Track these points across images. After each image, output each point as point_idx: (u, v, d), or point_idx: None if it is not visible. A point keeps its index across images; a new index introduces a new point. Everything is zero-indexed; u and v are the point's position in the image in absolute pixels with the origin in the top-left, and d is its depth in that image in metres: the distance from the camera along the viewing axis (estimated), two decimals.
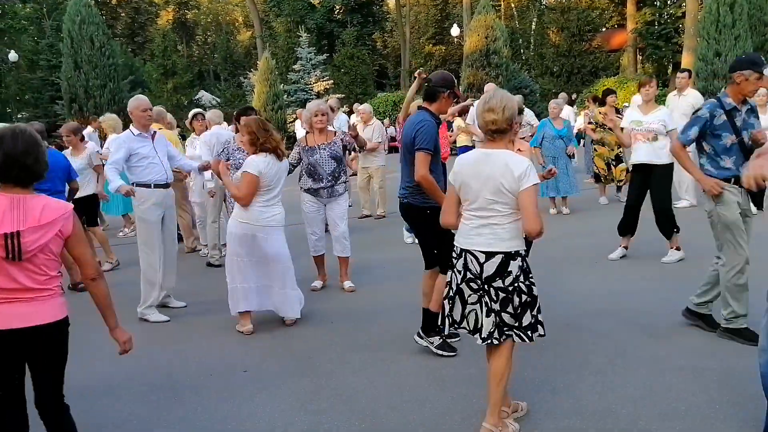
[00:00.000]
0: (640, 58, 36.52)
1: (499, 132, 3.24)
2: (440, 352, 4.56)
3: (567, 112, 13.23)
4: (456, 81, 4.66)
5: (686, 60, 22.44)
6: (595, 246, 7.57)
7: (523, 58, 37.09)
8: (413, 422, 3.65)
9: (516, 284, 3.21)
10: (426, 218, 4.45)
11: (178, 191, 7.94)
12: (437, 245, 4.47)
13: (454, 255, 3.42)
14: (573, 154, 10.20)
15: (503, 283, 3.20)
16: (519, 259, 3.23)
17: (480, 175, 3.22)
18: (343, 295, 6.29)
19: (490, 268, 3.20)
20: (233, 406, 3.99)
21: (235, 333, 5.33)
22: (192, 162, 6.55)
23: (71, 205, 2.84)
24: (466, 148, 10.72)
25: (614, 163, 10.47)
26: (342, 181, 6.37)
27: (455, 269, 3.39)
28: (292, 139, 21.94)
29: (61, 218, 2.75)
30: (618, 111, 10.85)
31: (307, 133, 6.50)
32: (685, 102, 9.64)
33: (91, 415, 3.94)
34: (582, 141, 13.83)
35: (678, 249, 6.85)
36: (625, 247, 7.10)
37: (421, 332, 4.66)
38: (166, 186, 5.88)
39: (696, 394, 3.80)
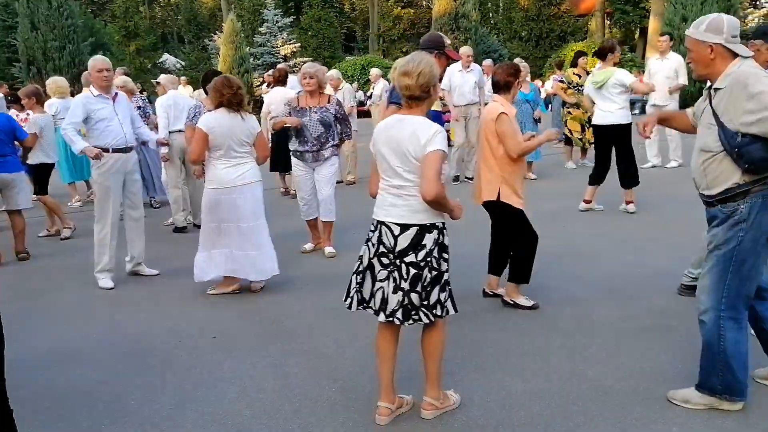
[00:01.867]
0: (608, 22, 36.62)
1: (413, 98, 3.07)
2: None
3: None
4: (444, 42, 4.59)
5: (653, 25, 22.59)
6: (562, 210, 7.65)
7: (492, 22, 36.91)
8: None
9: (428, 259, 3.07)
10: None
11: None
12: None
13: (371, 227, 3.25)
14: (539, 119, 10.21)
15: (416, 257, 3.07)
16: (435, 232, 3.09)
17: (390, 141, 3.10)
18: (314, 261, 6.27)
19: (403, 241, 3.07)
20: (203, 373, 3.96)
21: (203, 299, 5.29)
22: (150, 133, 6.43)
23: None
24: (435, 113, 10.67)
25: (587, 125, 10.52)
26: (330, 146, 6.27)
27: (369, 242, 3.22)
28: (259, 103, 21.63)
29: None
30: (589, 73, 10.88)
31: (299, 93, 6.45)
32: (667, 65, 9.80)
33: (58, 382, 3.89)
34: (550, 106, 13.86)
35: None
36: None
37: None
38: (125, 150, 5.72)
39: (660, 353, 3.89)
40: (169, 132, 7.62)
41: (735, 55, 3.03)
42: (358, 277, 3.25)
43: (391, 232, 3.10)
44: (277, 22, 28.05)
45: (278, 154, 9.56)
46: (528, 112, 9.85)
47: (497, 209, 4.73)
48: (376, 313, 3.19)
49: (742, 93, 2.91)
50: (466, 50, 9.69)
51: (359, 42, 43.45)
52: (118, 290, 5.67)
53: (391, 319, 3.15)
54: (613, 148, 7.24)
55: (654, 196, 7.47)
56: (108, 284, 5.73)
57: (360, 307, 3.26)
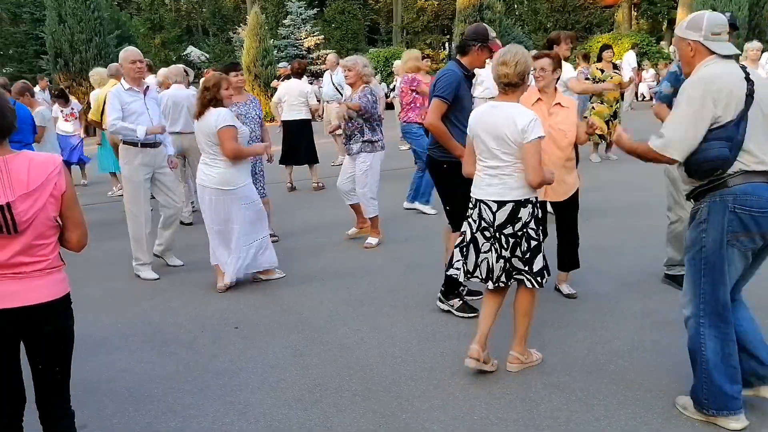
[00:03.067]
0: (635, 13, 36.09)
1: (510, 85, 3.43)
2: (461, 314, 4.47)
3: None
4: (488, 34, 4.49)
5: (681, 15, 22.20)
6: (583, 203, 7.56)
7: (517, 13, 36.54)
8: (403, 375, 3.69)
9: (525, 230, 3.44)
10: (442, 172, 4.44)
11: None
12: (447, 202, 4.48)
13: (470, 205, 3.59)
14: None
15: (513, 229, 3.43)
16: (529, 206, 3.45)
17: (488, 126, 3.43)
18: (334, 254, 6.28)
19: (501, 216, 3.43)
20: (225, 362, 4.01)
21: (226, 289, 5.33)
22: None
23: (60, 157, 2.45)
24: None
25: (612, 119, 10.37)
26: (355, 141, 6.17)
27: (470, 218, 3.58)
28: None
29: (52, 176, 2.33)
30: (615, 66, 10.73)
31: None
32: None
33: (84, 370, 3.95)
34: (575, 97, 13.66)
35: None
36: None
37: (441, 296, 4.61)
38: (154, 145, 5.70)
39: (683, 348, 3.80)
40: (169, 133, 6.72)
41: (712, 53, 2.93)
42: (462, 252, 3.61)
43: (490, 209, 3.46)
44: (301, 14, 28.08)
45: (287, 148, 9.47)
46: None
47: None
48: (483, 281, 3.56)
49: None
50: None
51: (383, 34, 43.28)
52: (143, 280, 5.74)
53: (497, 284, 3.52)
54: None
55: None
56: (151, 275, 5.74)
57: (466, 278, 3.63)
